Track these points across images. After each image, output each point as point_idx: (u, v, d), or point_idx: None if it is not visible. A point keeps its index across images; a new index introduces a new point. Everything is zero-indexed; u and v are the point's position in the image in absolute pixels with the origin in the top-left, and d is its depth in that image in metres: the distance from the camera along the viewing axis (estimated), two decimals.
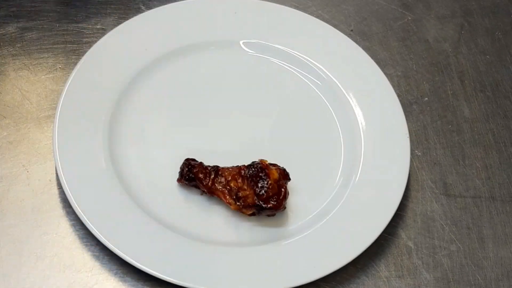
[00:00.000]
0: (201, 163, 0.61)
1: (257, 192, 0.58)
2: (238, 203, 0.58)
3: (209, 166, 0.60)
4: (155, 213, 0.59)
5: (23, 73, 0.69)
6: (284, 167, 0.60)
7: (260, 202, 0.58)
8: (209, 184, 0.59)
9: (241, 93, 0.69)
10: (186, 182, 0.60)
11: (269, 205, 0.58)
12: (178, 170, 0.61)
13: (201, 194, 0.61)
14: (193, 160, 0.61)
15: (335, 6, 0.79)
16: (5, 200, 0.60)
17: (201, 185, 0.60)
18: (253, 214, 0.59)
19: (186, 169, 0.60)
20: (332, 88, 0.69)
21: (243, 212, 0.59)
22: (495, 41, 0.79)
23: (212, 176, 0.59)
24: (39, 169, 0.62)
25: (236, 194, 0.59)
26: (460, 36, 0.79)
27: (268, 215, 0.59)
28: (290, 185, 0.60)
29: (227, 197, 0.59)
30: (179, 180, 0.61)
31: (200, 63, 0.70)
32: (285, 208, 0.59)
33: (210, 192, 0.60)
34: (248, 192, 0.58)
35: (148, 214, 0.59)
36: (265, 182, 0.58)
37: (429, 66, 0.75)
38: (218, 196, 0.59)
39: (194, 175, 0.60)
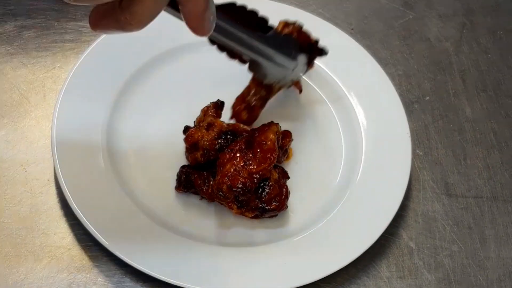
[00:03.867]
0: (197, 169, 0.59)
1: (259, 194, 0.57)
2: (240, 207, 0.58)
3: (205, 172, 0.59)
4: (154, 213, 0.59)
5: (21, 72, 0.68)
6: (282, 166, 0.60)
7: (263, 204, 0.57)
8: (209, 190, 0.58)
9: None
10: (185, 190, 0.59)
11: (272, 207, 0.57)
12: (178, 169, 0.60)
13: (200, 199, 0.60)
14: (189, 166, 0.60)
15: (336, 4, 0.79)
16: (3, 200, 0.60)
17: (201, 191, 0.59)
18: (255, 217, 0.58)
19: (184, 176, 0.59)
20: (333, 87, 0.69)
21: (245, 216, 0.58)
22: (497, 40, 0.78)
23: (212, 182, 0.58)
24: (38, 168, 0.62)
25: (237, 198, 0.58)
26: (462, 35, 0.78)
27: (271, 216, 0.59)
28: (290, 185, 0.59)
29: (229, 202, 0.58)
30: (177, 188, 0.60)
31: (200, 62, 0.70)
32: (287, 207, 0.59)
33: (210, 198, 0.59)
34: (249, 195, 0.57)
35: (147, 214, 0.58)
36: (266, 183, 0.57)
37: (430, 65, 0.75)
38: (219, 202, 0.58)
39: (193, 182, 0.59)
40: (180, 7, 0.40)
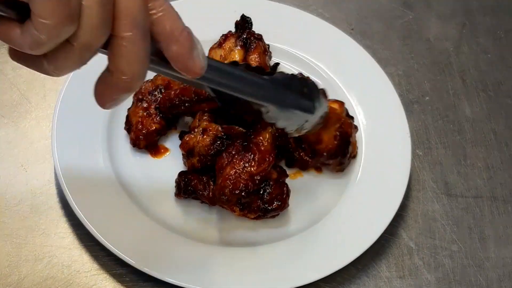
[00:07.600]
0: (196, 174, 0.59)
1: (260, 195, 0.57)
2: (242, 209, 0.57)
3: (204, 176, 0.59)
4: (154, 213, 0.59)
5: (22, 72, 0.68)
6: (280, 165, 0.60)
7: (265, 205, 0.57)
8: (210, 194, 0.58)
9: None
10: (185, 196, 0.59)
11: (274, 206, 0.57)
12: (179, 170, 0.60)
13: (201, 203, 0.60)
14: (187, 172, 0.59)
15: (336, 4, 0.79)
16: (4, 200, 0.60)
17: (201, 197, 0.58)
18: (257, 217, 0.58)
19: (183, 182, 0.58)
20: (333, 87, 0.69)
21: (248, 217, 0.58)
22: (496, 40, 0.78)
23: (212, 186, 0.58)
24: (38, 169, 0.62)
25: (239, 201, 0.57)
26: (462, 35, 0.78)
27: (272, 216, 0.59)
28: (290, 185, 0.59)
29: (231, 204, 0.57)
30: (177, 195, 0.59)
31: None
32: (288, 205, 0.59)
33: (212, 202, 0.58)
34: (251, 197, 0.57)
35: (147, 214, 0.58)
36: (266, 183, 0.57)
37: (430, 65, 0.75)
38: (221, 205, 0.58)
39: (193, 188, 0.58)
40: (165, 54, 0.38)
